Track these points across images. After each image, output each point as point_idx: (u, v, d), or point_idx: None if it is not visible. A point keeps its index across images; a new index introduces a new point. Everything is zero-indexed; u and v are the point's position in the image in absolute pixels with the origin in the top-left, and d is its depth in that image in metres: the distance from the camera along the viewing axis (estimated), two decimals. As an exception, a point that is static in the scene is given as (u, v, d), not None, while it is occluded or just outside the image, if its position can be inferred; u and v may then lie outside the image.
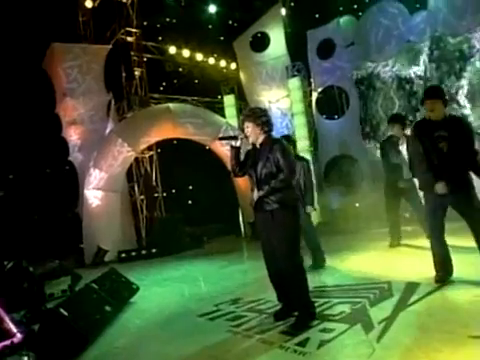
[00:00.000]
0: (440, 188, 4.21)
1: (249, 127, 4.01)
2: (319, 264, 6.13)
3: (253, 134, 4.01)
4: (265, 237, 4.02)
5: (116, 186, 11.47)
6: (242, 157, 4.20)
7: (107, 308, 4.94)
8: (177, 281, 7.17)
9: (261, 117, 3.99)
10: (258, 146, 4.04)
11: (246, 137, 4.05)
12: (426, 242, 6.43)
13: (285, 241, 3.83)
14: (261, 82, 14.08)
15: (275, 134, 4.21)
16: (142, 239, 13.01)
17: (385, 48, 11.33)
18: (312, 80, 13.36)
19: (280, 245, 3.85)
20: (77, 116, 12.52)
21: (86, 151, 12.30)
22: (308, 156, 12.66)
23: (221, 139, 4.66)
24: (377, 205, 8.88)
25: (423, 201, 4.79)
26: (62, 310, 4.13)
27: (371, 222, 9.28)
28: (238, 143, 4.08)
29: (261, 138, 4.01)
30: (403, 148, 6.40)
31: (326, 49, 12.69)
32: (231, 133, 11.57)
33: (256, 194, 3.95)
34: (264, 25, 13.78)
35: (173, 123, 11.78)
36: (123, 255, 10.94)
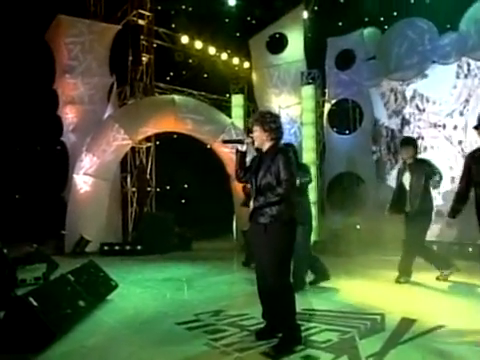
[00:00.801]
0: None
1: (256, 131, 3.98)
2: (299, 285, 6.00)
3: (259, 139, 3.99)
4: (257, 249, 4.00)
5: (107, 174, 11.46)
6: (248, 161, 4.19)
7: (81, 303, 4.88)
8: (159, 283, 7.13)
9: (270, 123, 3.95)
10: (264, 152, 4.03)
11: (252, 142, 4.02)
12: (429, 278, 6.52)
13: (275, 257, 3.79)
14: (271, 85, 14.09)
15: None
16: (128, 234, 12.97)
17: (406, 63, 11.32)
18: (327, 90, 13.38)
19: (269, 261, 3.82)
20: (75, 95, 12.49)
21: (80, 133, 12.26)
22: (312, 169, 12.67)
23: (226, 142, 4.63)
24: (380, 230, 8.86)
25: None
26: (32, 299, 4.06)
27: (372, 247, 9.23)
28: (244, 147, 4.07)
29: (267, 145, 3.99)
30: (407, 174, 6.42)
31: (345, 60, 12.70)
32: (234, 136, 11.58)
33: (252, 204, 3.93)
34: (283, 26, 13.80)
35: (175, 116, 11.80)
36: (106, 248, 10.91)
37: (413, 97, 11.40)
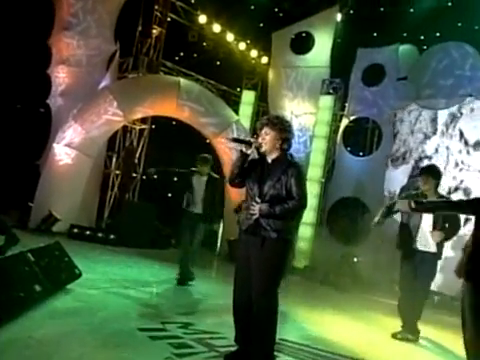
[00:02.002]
0: None
1: (268, 135, 4.04)
2: None
3: (269, 145, 4.05)
4: (244, 262, 4.02)
5: (92, 150, 11.39)
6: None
7: (37, 287, 4.82)
8: (128, 280, 7.10)
9: (286, 131, 4.07)
10: (269, 160, 4.09)
11: (259, 145, 4.06)
12: (427, 331, 6.43)
13: (268, 275, 3.87)
14: (286, 87, 14.09)
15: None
16: (103, 220, 12.87)
17: (439, 82, 11.34)
18: (347, 104, 13.35)
19: (261, 278, 3.87)
20: (71, 56, 12.30)
21: (69, 98, 12.09)
22: (316, 187, 12.65)
23: (235, 141, 4.63)
24: (378, 268, 8.84)
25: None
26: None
27: (366, 285, 9.21)
28: (250, 150, 4.11)
29: (275, 154, 4.07)
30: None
31: (374, 75, 12.69)
32: (236, 135, 11.53)
33: (257, 209, 3.92)
34: (312, 25, 13.79)
35: (178, 102, 11.77)
36: (75, 230, 10.82)
37: (444, 127, 11.35)
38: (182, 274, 7.37)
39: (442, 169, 7.64)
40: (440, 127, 11.35)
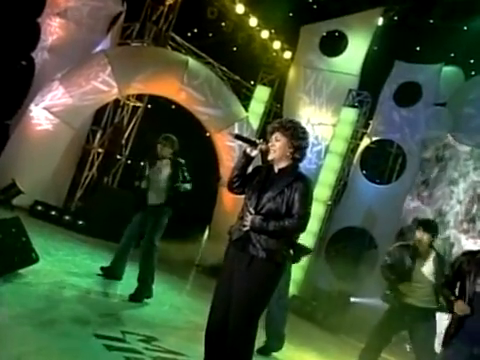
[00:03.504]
0: None
1: (279, 141, 4.02)
2: (276, 344, 6.18)
3: (279, 153, 4.02)
4: (226, 280, 4.00)
5: (75, 120, 11.31)
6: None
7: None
8: (90, 276, 7.08)
9: (301, 140, 4.05)
10: (276, 170, 4.07)
11: (267, 151, 4.05)
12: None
13: (251, 300, 3.83)
14: (303, 90, 14.10)
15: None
16: (73, 201, 12.80)
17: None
18: (372, 122, 13.35)
19: (242, 303, 3.83)
20: (68, 6, 12.20)
21: (58, 55, 11.99)
22: (320, 208, 12.56)
23: (237, 138, 4.61)
24: (376, 316, 8.76)
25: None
26: None
27: (360, 332, 9.10)
28: (254, 153, 4.07)
29: (284, 163, 4.05)
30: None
31: (408, 94, 12.74)
32: (239, 134, 11.46)
33: (249, 220, 3.90)
34: (349, 26, 13.79)
35: (181, 84, 11.73)
36: (39, 208, 10.76)
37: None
38: (110, 268, 7.25)
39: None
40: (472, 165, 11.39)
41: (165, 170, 7.13)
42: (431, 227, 6.43)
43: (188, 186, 7.14)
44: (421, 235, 6.25)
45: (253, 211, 3.94)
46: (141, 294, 6.57)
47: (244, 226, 3.92)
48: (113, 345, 4.46)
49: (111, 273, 7.21)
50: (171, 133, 7.39)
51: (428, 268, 6.15)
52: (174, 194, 7.06)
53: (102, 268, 7.21)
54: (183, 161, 7.31)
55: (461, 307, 4.44)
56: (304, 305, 10.25)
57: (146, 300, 6.67)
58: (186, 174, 7.19)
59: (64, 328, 4.54)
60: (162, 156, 7.15)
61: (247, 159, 4.08)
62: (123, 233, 7.47)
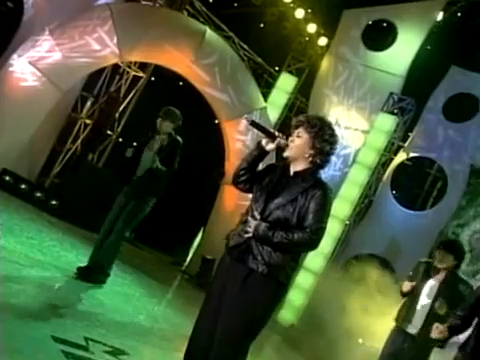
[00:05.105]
0: None
1: (300, 139, 4.04)
2: None
3: (297, 151, 4.04)
4: (216, 294, 4.02)
5: (64, 81, 11.28)
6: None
7: None
8: (57, 266, 7.11)
9: (323, 141, 4.04)
10: (291, 172, 4.09)
11: (285, 147, 4.06)
12: None
13: (242, 322, 3.85)
14: (331, 86, 14.22)
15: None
16: (48, 177, 12.93)
17: None
18: (411, 135, 13.32)
19: (232, 323, 3.85)
20: None
21: (53, 0, 11.95)
22: (337, 227, 12.47)
23: (253, 125, 4.51)
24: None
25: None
26: None
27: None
28: (270, 146, 4.09)
29: (302, 165, 4.07)
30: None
31: (461, 107, 12.67)
32: (256, 122, 11.50)
33: (253, 226, 3.91)
34: (401, 16, 13.72)
35: (193, 58, 11.75)
36: (7, 178, 10.82)
37: None
38: (91, 263, 7.27)
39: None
40: None
41: (156, 145, 7.35)
42: (453, 248, 6.73)
43: (163, 167, 7.28)
44: (442, 257, 6.53)
45: (258, 216, 3.94)
46: (89, 275, 6.94)
47: (246, 232, 3.91)
48: (73, 353, 4.44)
49: (89, 272, 7.12)
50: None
51: (431, 290, 6.48)
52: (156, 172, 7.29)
53: (79, 268, 7.13)
54: (181, 140, 7.52)
55: (441, 329, 5.03)
56: (304, 338, 10.29)
57: (120, 302, 6.87)
58: (178, 157, 7.43)
59: (17, 325, 4.53)
60: (161, 131, 7.37)
61: (261, 152, 4.10)
62: (104, 220, 7.58)
